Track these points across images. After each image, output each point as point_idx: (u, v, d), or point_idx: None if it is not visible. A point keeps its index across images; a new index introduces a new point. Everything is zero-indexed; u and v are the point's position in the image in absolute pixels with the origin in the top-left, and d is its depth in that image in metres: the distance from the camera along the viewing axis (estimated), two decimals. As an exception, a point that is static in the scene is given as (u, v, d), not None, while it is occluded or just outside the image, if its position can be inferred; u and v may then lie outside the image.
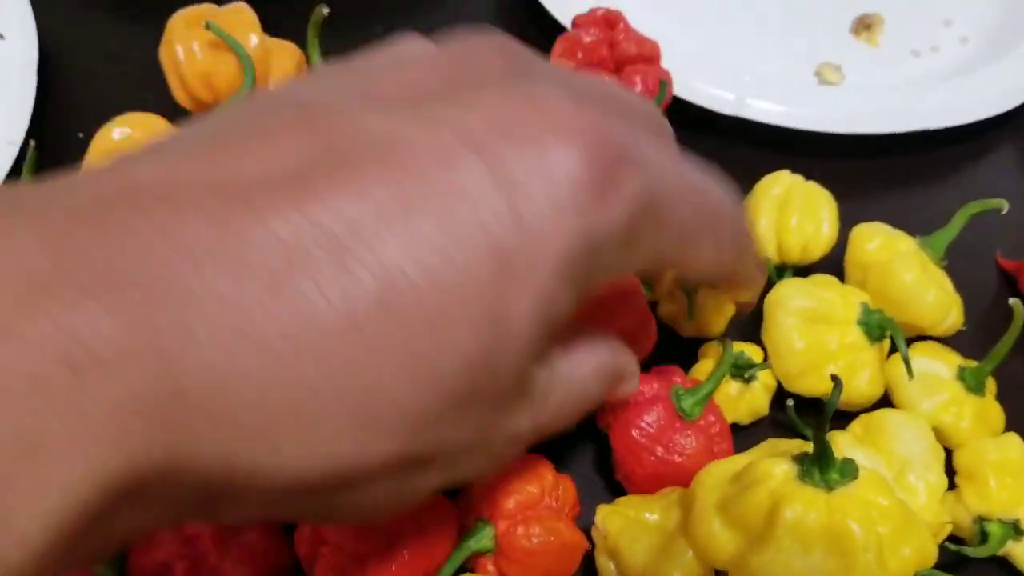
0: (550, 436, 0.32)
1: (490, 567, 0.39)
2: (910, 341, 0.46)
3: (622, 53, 0.51)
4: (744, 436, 0.45)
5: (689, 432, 0.41)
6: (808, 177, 0.52)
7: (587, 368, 0.33)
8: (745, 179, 0.53)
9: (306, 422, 0.23)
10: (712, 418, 0.42)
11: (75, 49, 0.59)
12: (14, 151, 0.50)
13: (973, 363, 0.47)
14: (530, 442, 0.32)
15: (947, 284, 0.48)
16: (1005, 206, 0.48)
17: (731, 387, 0.45)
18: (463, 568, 0.39)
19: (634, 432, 0.41)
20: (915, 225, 0.51)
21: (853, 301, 0.46)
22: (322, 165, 0.24)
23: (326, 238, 0.22)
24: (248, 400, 0.22)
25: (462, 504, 0.40)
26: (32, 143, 0.49)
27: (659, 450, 0.41)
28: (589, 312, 0.32)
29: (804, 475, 0.34)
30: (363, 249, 0.23)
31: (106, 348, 0.20)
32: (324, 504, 0.26)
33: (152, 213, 0.22)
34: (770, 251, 0.49)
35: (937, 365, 0.47)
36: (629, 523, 0.39)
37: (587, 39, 0.51)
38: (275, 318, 0.22)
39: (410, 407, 0.24)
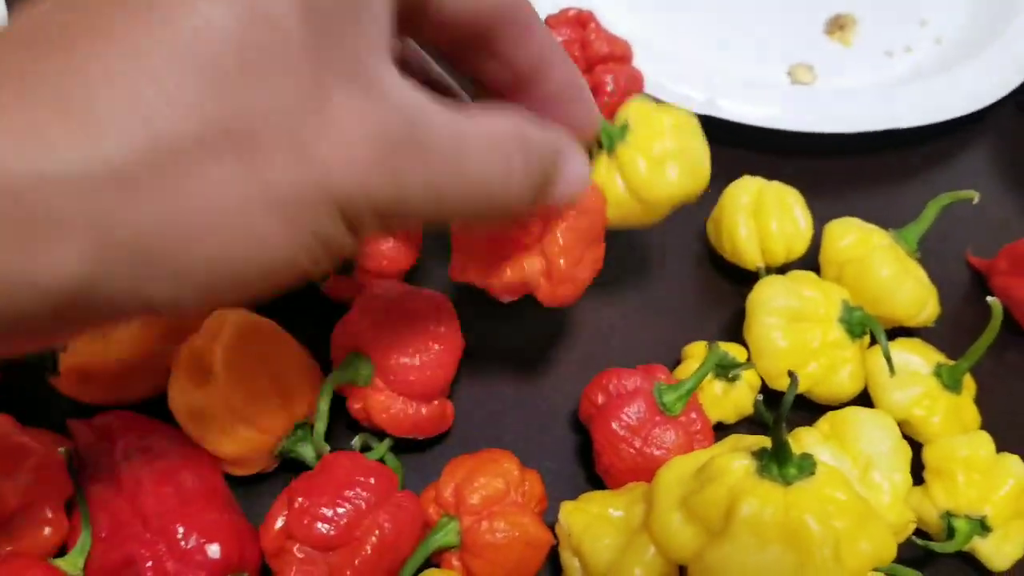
0: (500, 209, 0.31)
1: (455, 562, 0.39)
2: (889, 335, 0.46)
3: (594, 53, 0.51)
4: (730, 435, 0.45)
5: (669, 427, 0.41)
6: (779, 175, 0.52)
7: (497, 126, 0.31)
8: (717, 178, 0.53)
9: (84, 115, 0.23)
10: (694, 415, 0.42)
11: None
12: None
13: (952, 361, 0.47)
14: (461, 197, 0.29)
15: (922, 276, 0.49)
16: (976, 196, 0.49)
17: (716, 386, 0.46)
18: (428, 563, 0.39)
19: (614, 424, 0.41)
20: (886, 221, 0.51)
21: (834, 298, 0.46)
22: None
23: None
24: None
25: (428, 500, 0.40)
26: None
27: (638, 442, 0.41)
28: None
29: (762, 470, 0.34)
30: None
31: None
32: (161, 211, 0.24)
33: None
34: (754, 257, 0.50)
35: (916, 360, 0.47)
36: (592, 520, 0.39)
37: (558, 39, 0.51)
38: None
39: (197, 76, 0.24)
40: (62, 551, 0.40)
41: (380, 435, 0.43)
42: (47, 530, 0.39)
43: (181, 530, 0.37)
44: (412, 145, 0.27)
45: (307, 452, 0.42)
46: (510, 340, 0.50)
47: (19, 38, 0.24)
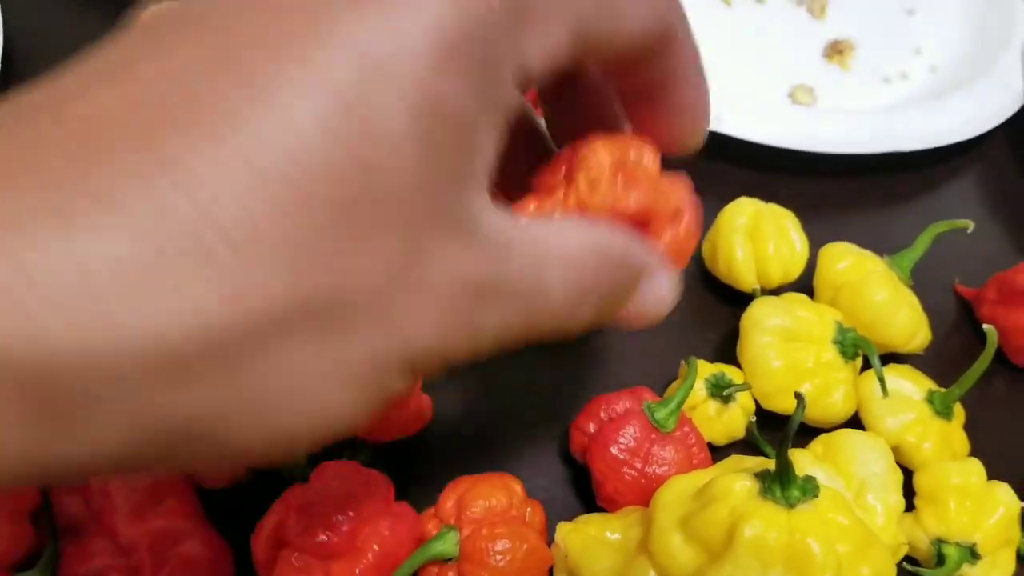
0: (554, 336, 0.26)
1: None
2: (881, 361, 0.46)
3: None
4: (719, 458, 0.45)
5: (667, 443, 0.41)
6: (773, 197, 0.52)
7: (580, 240, 0.26)
8: (713, 198, 0.53)
9: (145, 279, 0.19)
10: (687, 429, 0.42)
11: (41, 42, 0.58)
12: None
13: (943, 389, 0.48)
14: (525, 332, 0.25)
15: (915, 303, 0.49)
16: (971, 226, 0.49)
17: (710, 407, 0.46)
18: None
19: (612, 449, 0.41)
20: (878, 246, 0.51)
21: (827, 319, 0.46)
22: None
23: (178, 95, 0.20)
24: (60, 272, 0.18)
25: (426, 519, 0.39)
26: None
27: (638, 463, 0.41)
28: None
29: (765, 492, 0.34)
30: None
31: None
32: (221, 398, 0.21)
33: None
34: (750, 278, 0.50)
35: (908, 386, 0.47)
36: (590, 542, 0.39)
37: None
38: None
39: (279, 236, 0.20)
40: (29, 563, 0.38)
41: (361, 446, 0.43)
42: (9, 542, 0.38)
43: (152, 546, 0.37)
44: (494, 292, 0.24)
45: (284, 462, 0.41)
46: (496, 363, 0.49)
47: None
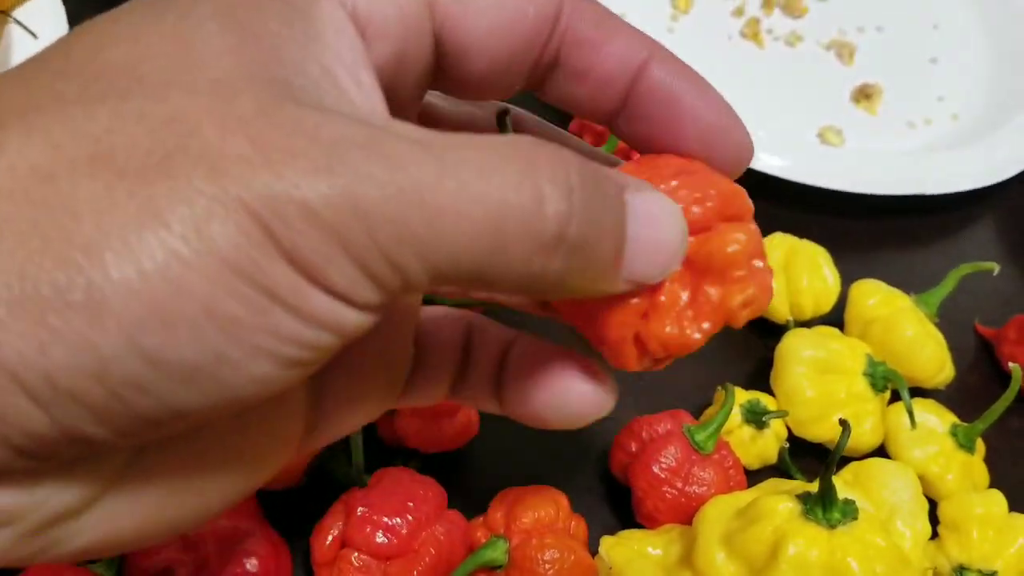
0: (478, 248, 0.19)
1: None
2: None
3: None
4: (752, 481, 0.46)
5: (707, 465, 0.43)
6: (804, 233, 0.54)
7: (506, 139, 0.20)
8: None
9: None
10: (725, 452, 0.44)
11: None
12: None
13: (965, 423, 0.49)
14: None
15: (941, 340, 0.51)
16: (996, 268, 0.51)
17: (744, 432, 0.47)
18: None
19: (654, 468, 0.42)
20: (903, 284, 0.53)
21: (858, 352, 0.48)
22: None
23: None
24: None
25: (474, 528, 0.41)
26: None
27: (679, 483, 0.42)
28: None
29: (807, 513, 0.36)
30: None
31: None
32: None
33: None
34: (784, 311, 0.52)
35: (932, 419, 0.49)
36: (633, 555, 0.40)
37: None
38: None
39: None
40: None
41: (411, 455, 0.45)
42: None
43: (218, 543, 0.38)
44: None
45: (339, 468, 0.43)
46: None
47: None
